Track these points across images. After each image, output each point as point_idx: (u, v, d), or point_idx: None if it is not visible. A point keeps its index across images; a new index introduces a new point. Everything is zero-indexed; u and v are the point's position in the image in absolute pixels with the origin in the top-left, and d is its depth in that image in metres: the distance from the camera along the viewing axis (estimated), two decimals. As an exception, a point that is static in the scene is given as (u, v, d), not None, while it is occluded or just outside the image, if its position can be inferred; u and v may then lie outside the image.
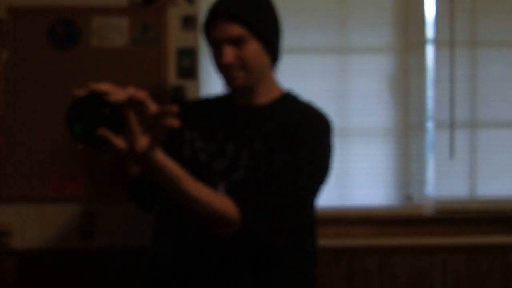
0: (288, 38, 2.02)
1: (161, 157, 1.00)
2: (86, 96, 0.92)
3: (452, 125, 2.08)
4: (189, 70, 1.95)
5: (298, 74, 2.04)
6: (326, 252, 1.99)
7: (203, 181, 1.18)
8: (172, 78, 1.95)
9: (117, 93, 0.92)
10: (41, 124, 1.91)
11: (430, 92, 2.09)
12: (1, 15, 1.91)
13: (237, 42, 1.30)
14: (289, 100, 1.42)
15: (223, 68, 1.33)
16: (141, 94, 0.94)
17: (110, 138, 0.91)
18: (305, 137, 1.30)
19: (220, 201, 1.16)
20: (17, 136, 1.91)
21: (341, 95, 2.06)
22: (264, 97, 1.39)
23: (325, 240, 1.98)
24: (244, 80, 1.33)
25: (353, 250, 2.01)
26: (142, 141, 0.94)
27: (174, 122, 0.93)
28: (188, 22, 1.94)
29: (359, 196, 2.07)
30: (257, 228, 1.20)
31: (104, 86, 0.92)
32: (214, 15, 1.32)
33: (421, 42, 2.09)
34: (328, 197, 2.02)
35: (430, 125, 2.09)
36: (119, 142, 0.92)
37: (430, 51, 2.09)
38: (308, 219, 1.41)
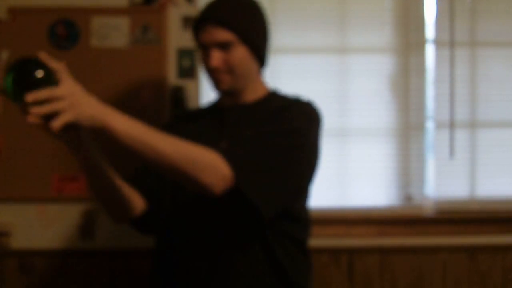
0: (288, 38, 2.04)
1: (118, 127, 1.03)
2: (29, 58, 0.99)
3: (452, 125, 2.08)
4: (189, 70, 1.95)
5: (298, 74, 2.04)
6: (326, 252, 1.99)
7: None
8: (172, 78, 1.95)
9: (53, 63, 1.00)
10: (41, 124, 1.91)
11: (430, 92, 2.09)
12: (1, 15, 1.91)
13: (224, 46, 1.33)
14: (275, 97, 1.45)
15: (210, 71, 1.37)
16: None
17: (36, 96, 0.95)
18: (286, 115, 1.32)
19: (203, 149, 1.15)
20: (17, 136, 1.91)
21: (341, 95, 2.06)
22: (251, 97, 1.42)
23: (325, 240, 1.99)
24: (230, 83, 1.37)
25: (353, 250, 2.01)
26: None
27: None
28: (188, 22, 1.94)
29: (359, 196, 2.06)
30: (246, 182, 1.18)
31: (43, 54, 1.00)
32: (203, 19, 1.35)
33: (421, 42, 2.08)
34: (328, 197, 2.03)
35: (430, 125, 2.09)
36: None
37: (430, 51, 2.09)
38: (301, 210, 1.41)
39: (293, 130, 1.28)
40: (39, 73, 0.98)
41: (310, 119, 1.35)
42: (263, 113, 1.37)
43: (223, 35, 1.32)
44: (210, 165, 1.14)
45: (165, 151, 1.09)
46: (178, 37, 1.94)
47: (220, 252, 1.30)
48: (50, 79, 0.98)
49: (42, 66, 0.99)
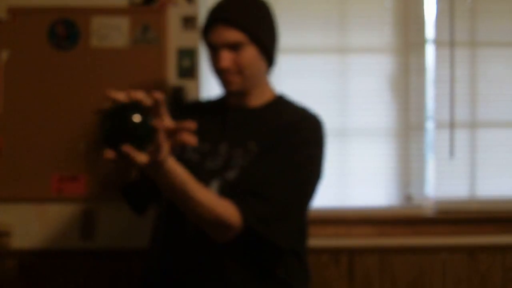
0: (288, 38, 2.03)
1: (173, 165, 1.01)
2: (123, 103, 0.94)
3: (452, 125, 2.08)
4: (189, 70, 1.95)
5: (298, 74, 2.04)
6: (326, 252, 1.99)
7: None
8: (172, 78, 1.95)
9: (146, 100, 0.94)
10: (41, 124, 1.91)
11: (430, 92, 2.09)
12: (1, 15, 1.91)
13: (234, 47, 1.32)
14: (281, 103, 1.44)
15: (220, 72, 1.35)
16: (163, 108, 0.97)
17: (133, 153, 0.90)
18: (298, 139, 1.31)
19: (223, 206, 1.16)
20: (17, 136, 1.91)
21: (341, 95, 2.06)
22: (257, 100, 1.41)
23: (325, 240, 1.99)
24: (240, 84, 1.35)
25: (353, 250, 2.01)
26: (164, 151, 0.95)
27: (191, 139, 0.97)
28: (188, 22, 1.94)
29: (359, 196, 2.06)
30: (261, 232, 1.21)
31: (139, 95, 0.94)
32: (213, 19, 1.33)
33: (421, 42, 2.08)
34: (328, 197, 2.03)
35: (430, 125, 2.09)
36: (141, 157, 0.92)
37: (430, 51, 2.09)
38: (300, 223, 1.41)
39: (302, 161, 1.29)
40: (136, 118, 0.93)
41: (318, 142, 1.35)
42: (267, 123, 1.36)
43: (234, 35, 1.30)
44: (225, 226, 1.17)
45: (195, 200, 1.10)
46: (178, 37, 1.94)
47: (216, 265, 1.28)
48: (146, 126, 0.94)
49: (141, 110, 0.94)
